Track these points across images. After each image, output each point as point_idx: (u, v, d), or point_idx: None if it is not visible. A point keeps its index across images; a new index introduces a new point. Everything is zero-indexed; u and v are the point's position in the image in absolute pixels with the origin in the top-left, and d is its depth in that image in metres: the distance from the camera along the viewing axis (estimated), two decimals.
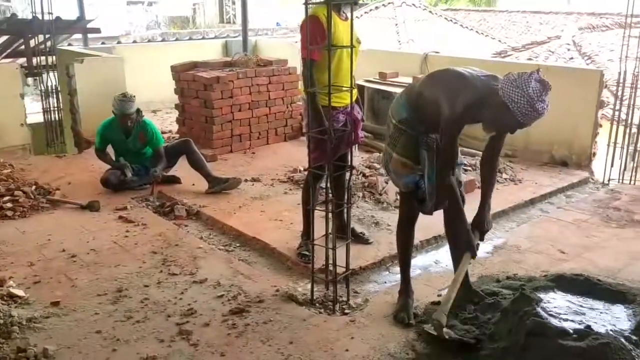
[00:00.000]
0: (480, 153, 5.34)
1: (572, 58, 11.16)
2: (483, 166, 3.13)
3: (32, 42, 7.51)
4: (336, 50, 3.43)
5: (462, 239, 3.11)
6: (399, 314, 3.19)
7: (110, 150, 5.48)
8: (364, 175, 5.28)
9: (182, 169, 5.55)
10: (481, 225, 3.12)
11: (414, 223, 3.32)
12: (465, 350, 2.85)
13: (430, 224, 4.45)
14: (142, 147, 5.41)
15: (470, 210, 3.21)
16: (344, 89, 3.50)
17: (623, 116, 5.84)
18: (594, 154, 5.95)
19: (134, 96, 5.26)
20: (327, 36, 3.45)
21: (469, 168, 5.61)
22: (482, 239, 3.18)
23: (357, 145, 4.04)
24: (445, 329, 2.91)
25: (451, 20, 16.17)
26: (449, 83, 2.90)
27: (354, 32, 3.66)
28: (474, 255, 3.06)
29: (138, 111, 5.30)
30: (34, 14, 6.82)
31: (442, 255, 4.09)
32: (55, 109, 7.03)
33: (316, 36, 3.42)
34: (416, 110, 3.05)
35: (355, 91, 3.74)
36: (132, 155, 5.39)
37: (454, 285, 3.03)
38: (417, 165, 3.09)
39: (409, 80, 6.82)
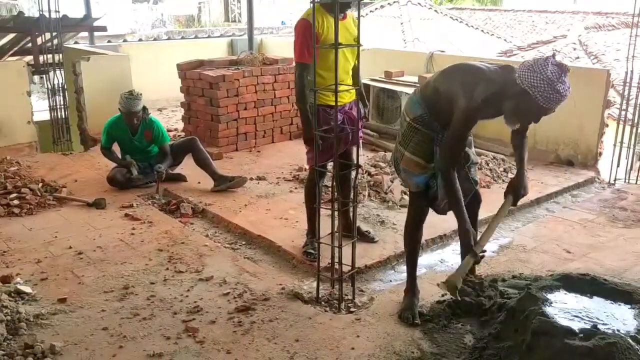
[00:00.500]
0: (487, 153, 5.34)
1: (578, 57, 11.13)
2: (514, 139, 3.07)
3: (38, 40, 7.53)
4: (328, 51, 3.40)
5: (461, 239, 2.95)
6: (404, 313, 3.19)
7: (116, 148, 5.50)
8: (369, 174, 5.28)
9: (187, 167, 5.56)
10: (518, 188, 3.03)
11: (422, 223, 3.28)
12: (472, 352, 2.86)
13: (436, 222, 4.45)
14: (148, 145, 5.43)
15: (484, 205, 3.26)
16: (341, 87, 3.49)
17: (629, 116, 5.82)
18: (600, 154, 5.94)
19: (141, 94, 5.27)
20: (318, 38, 3.46)
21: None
22: (515, 204, 3.09)
23: (360, 144, 4.03)
24: (458, 292, 2.88)
25: (456, 19, 16.12)
26: (465, 76, 2.84)
27: (351, 32, 3.67)
28: (477, 261, 2.90)
29: (144, 109, 5.31)
30: (40, 12, 6.84)
31: (448, 255, 4.10)
32: (62, 106, 7.05)
33: (308, 40, 3.41)
34: (431, 106, 2.99)
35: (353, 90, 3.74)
36: (138, 153, 5.41)
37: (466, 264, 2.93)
38: (429, 164, 3.04)
39: (415, 79, 6.83)
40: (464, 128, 2.84)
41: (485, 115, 2.84)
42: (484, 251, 2.94)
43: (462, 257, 3.07)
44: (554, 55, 2.64)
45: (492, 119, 2.94)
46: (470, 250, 2.87)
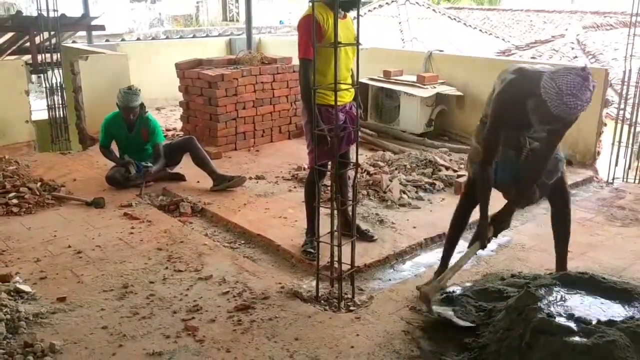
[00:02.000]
0: None
1: (576, 57, 11.14)
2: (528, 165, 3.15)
3: (37, 39, 7.52)
4: (331, 49, 3.39)
5: (478, 228, 3.20)
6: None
7: (114, 147, 5.49)
8: (368, 173, 5.29)
9: (186, 166, 5.56)
10: (496, 222, 3.20)
11: (468, 212, 3.45)
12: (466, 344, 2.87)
13: (435, 222, 4.47)
14: (145, 143, 5.42)
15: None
16: (342, 87, 3.49)
17: (627, 115, 5.83)
18: (598, 153, 5.95)
19: (140, 90, 5.27)
20: (323, 35, 3.45)
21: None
22: (495, 235, 3.26)
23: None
24: (435, 307, 3.09)
25: (455, 19, 16.13)
26: (504, 77, 2.99)
27: (352, 30, 3.67)
28: (483, 247, 3.18)
29: (142, 106, 5.31)
30: (39, 11, 6.83)
31: None
32: (60, 106, 7.04)
33: (312, 36, 3.40)
34: None
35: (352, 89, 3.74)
36: (135, 151, 5.40)
37: (455, 267, 3.19)
38: None
39: (413, 78, 6.84)
40: (492, 121, 3.02)
41: (517, 115, 2.91)
42: (491, 239, 3.22)
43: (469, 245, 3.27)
44: (585, 67, 2.68)
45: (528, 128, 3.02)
46: (481, 238, 3.15)
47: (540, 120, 2.86)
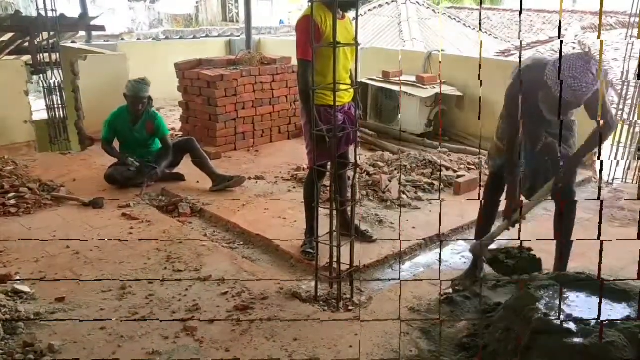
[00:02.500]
0: (483, 152, 5.36)
1: None
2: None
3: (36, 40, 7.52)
4: (330, 50, 3.39)
5: (507, 202, 3.30)
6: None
7: (116, 145, 5.49)
8: (367, 173, 5.29)
9: (186, 166, 5.56)
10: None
11: (495, 200, 3.57)
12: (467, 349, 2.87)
13: (434, 222, 4.48)
14: (148, 138, 5.42)
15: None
16: (341, 87, 3.50)
17: (627, 115, 5.83)
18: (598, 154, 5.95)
19: (150, 81, 5.30)
20: (321, 35, 3.46)
21: (472, 167, 5.61)
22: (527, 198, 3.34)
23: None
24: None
25: (455, 19, 16.13)
26: (514, 70, 3.14)
27: (350, 31, 3.68)
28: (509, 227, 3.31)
29: (149, 99, 5.34)
30: (38, 11, 6.83)
31: (446, 254, 4.11)
32: (59, 106, 7.04)
33: (311, 37, 3.41)
34: None
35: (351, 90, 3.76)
36: (137, 147, 5.40)
37: (502, 227, 3.32)
38: None
39: (413, 78, 6.84)
40: (505, 113, 3.23)
41: (528, 105, 3.02)
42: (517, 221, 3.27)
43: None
44: (587, 52, 2.77)
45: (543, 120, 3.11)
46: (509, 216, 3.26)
47: (549, 109, 2.96)
